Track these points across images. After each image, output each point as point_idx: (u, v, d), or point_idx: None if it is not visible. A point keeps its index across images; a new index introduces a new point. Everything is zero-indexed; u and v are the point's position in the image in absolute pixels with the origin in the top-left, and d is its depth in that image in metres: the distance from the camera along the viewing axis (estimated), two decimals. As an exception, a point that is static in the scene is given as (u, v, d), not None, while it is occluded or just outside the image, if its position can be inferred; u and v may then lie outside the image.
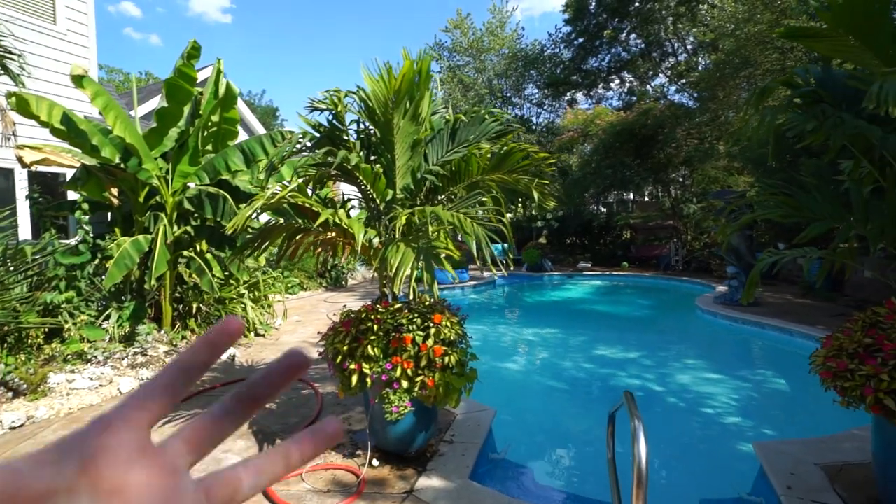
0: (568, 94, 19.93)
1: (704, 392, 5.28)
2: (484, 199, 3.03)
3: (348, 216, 3.15)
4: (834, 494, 2.64)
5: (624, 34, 18.45)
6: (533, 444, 4.24)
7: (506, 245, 16.74)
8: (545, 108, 21.07)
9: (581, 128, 15.03)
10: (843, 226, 2.29)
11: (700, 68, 16.42)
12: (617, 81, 20.30)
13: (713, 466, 3.74)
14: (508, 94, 20.82)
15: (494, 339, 7.85)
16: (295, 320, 7.68)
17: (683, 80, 17.42)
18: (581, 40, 18.63)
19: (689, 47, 18.18)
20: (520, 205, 3.45)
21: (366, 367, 2.82)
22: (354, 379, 2.83)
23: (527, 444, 4.18)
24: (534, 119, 20.42)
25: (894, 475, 2.36)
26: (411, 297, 3.36)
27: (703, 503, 3.24)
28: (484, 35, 20.46)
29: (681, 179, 15.34)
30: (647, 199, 17.55)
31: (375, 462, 3.02)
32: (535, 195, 2.94)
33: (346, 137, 2.94)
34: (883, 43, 1.96)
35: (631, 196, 17.77)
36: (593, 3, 17.86)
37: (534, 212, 14.44)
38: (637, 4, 17.13)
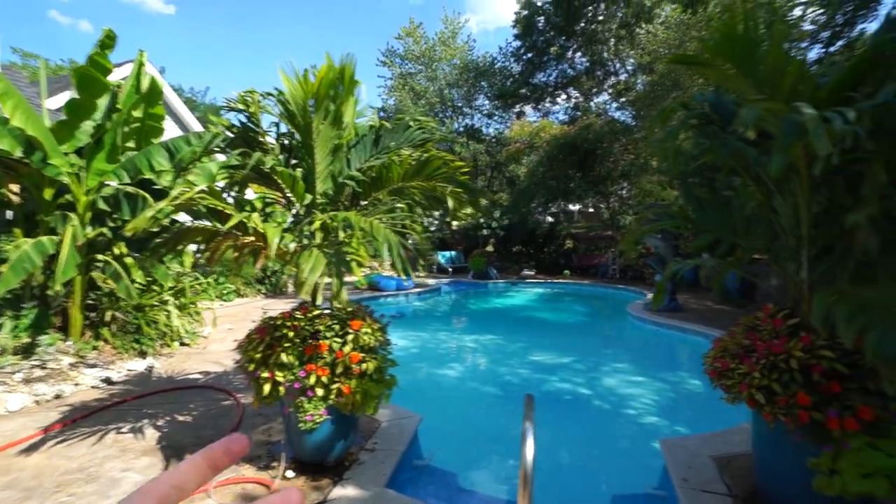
0: (517, 106, 20.54)
1: (627, 393, 5.56)
2: (400, 205, 3.05)
3: (266, 220, 3.08)
4: (722, 484, 2.85)
5: (570, 52, 19.30)
6: (461, 450, 4.28)
7: (453, 253, 16.94)
8: (495, 118, 21.59)
9: (527, 140, 15.51)
10: (725, 237, 2.52)
11: (637, 88, 17.46)
12: (563, 96, 21.18)
13: (629, 464, 3.94)
14: (459, 104, 21.16)
15: (434, 346, 7.88)
16: (227, 328, 7.34)
17: (623, 99, 18.45)
18: (530, 55, 19.30)
19: (628, 68, 19.28)
20: (458, 212, 3.49)
21: (279, 375, 2.74)
22: (267, 387, 2.74)
23: (455, 450, 4.21)
24: (484, 129, 20.85)
25: (767, 464, 2.59)
26: (337, 304, 3.31)
27: (615, 498, 3.40)
28: (436, 44, 20.72)
29: (621, 192, 16.18)
30: (590, 210, 18.36)
31: (290, 473, 2.94)
32: (451, 202, 3.00)
33: (262, 139, 2.88)
34: (756, 73, 2.17)
35: (576, 207, 18.53)
36: (541, 21, 18.58)
37: (481, 219, 14.70)
38: (582, 25, 18.00)
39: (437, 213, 18.01)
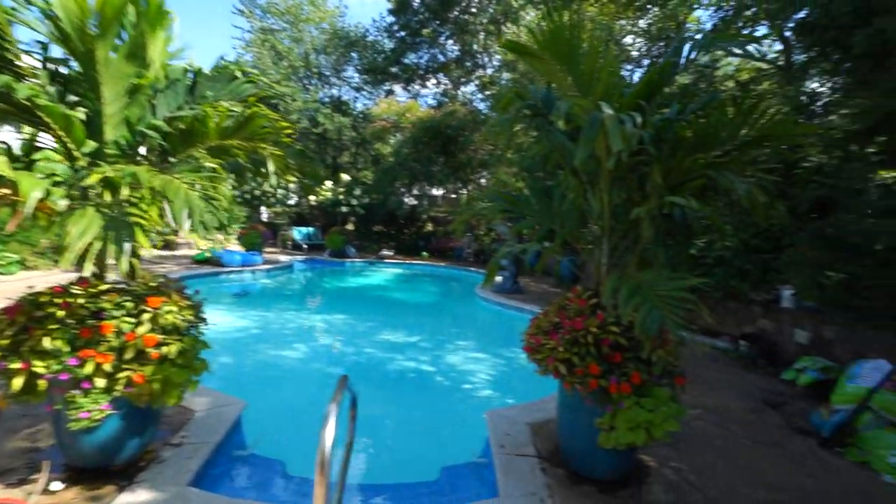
0: (387, 84, 20.14)
1: (467, 369, 5.91)
2: (212, 164, 2.66)
3: (29, 169, 2.40)
4: (533, 447, 3.17)
5: (443, 38, 19.53)
6: (293, 436, 4.04)
7: (311, 229, 16.06)
8: (364, 94, 20.90)
9: (394, 119, 15.34)
10: (545, 224, 2.75)
11: (500, 83, 18.54)
12: (434, 81, 21.44)
13: (460, 435, 4.15)
14: (327, 73, 19.93)
15: (278, 327, 7.36)
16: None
17: (487, 92, 19.44)
18: (403, 34, 19.00)
19: (494, 63, 20.33)
20: (282, 177, 3.16)
21: (39, 366, 2.18)
22: (18, 381, 2.16)
23: (286, 436, 3.97)
24: (351, 103, 20.01)
25: (566, 426, 2.94)
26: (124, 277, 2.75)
27: (444, 470, 3.55)
28: (303, 2, 19.07)
29: (480, 181, 17.11)
30: (453, 195, 19.08)
31: (58, 485, 2.39)
32: (271, 165, 2.71)
33: (16, 61, 2.20)
34: (576, 74, 2.34)
35: (440, 192, 19.07)
36: (417, 1, 18.38)
37: (341, 196, 14.15)
38: (456, 13, 18.31)
39: (292, 185, 16.75)
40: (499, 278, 10.38)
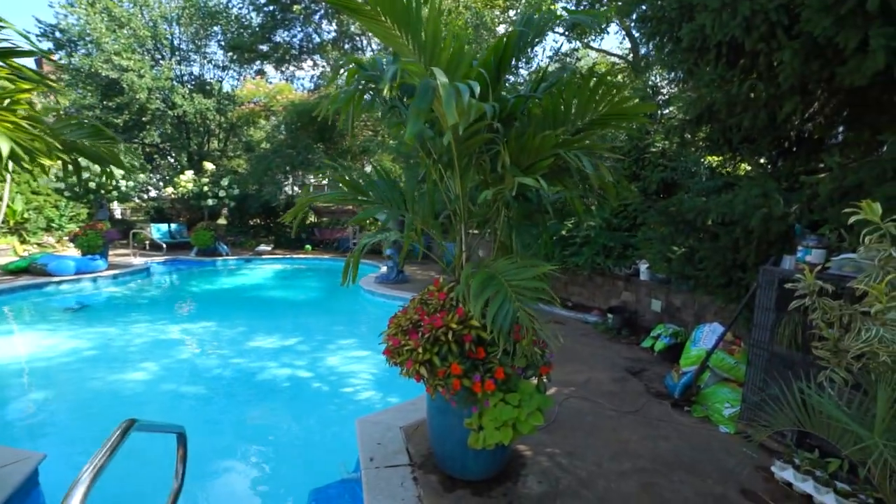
0: (256, 63, 18.29)
1: (347, 371, 5.51)
2: None
3: None
4: (406, 455, 2.93)
5: (317, 17, 18.22)
6: (120, 481, 3.30)
7: (174, 226, 14.08)
8: (230, 73, 18.74)
9: (262, 101, 13.95)
10: (394, 210, 2.48)
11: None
12: (310, 63, 20.02)
13: (336, 449, 3.77)
14: (184, 47, 17.43)
15: (122, 344, 6.19)
16: None
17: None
18: (272, 8, 17.32)
19: (374, 47, 19.61)
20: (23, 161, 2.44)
21: None
22: None
23: (110, 484, 3.23)
24: (216, 83, 17.80)
25: (436, 429, 2.74)
26: None
27: (312, 493, 3.16)
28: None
29: (365, 168, 16.46)
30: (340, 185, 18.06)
31: None
32: (3, 147, 2.03)
33: None
34: (418, 34, 2.05)
35: (325, 181, 17.97)
36: (284, -28, 16.81)
37: (205, 188, 12.53)
38: (328, -11, 17.10)
39: (143, 177, 14.47)
40: (383, 268, 10.06)
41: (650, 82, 7.21)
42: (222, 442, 3.86)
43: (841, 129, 4.03)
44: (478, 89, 1.68)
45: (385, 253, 9.05)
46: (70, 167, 2.66)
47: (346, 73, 2.49)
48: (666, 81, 6.91)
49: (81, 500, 1.16)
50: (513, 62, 2.32)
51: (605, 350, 5.27)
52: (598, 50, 9.52)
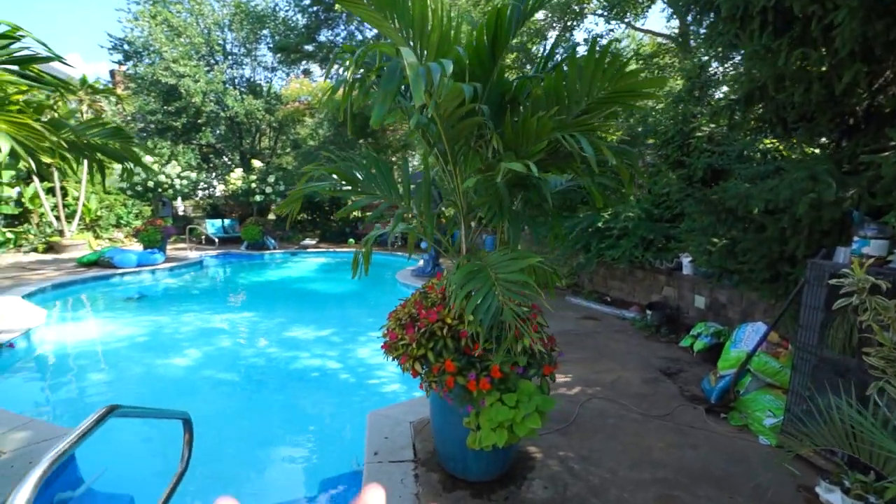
0: (302, 63, 18.87)
1: (376, 363, 5.55)
2: None
3: None
4: (412, 450, 2.88)
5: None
6: (153, 459, 3.50)
7: (227, 221, 14.88)
8: (278, 74, 19.48)
9: (307, 100, 14.36)
10: (388, 200, 2.40)
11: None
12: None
13: (353, 439, 3.80)
14: (236, 51, 18.30)
15: (171, 332, 6.59)
16: None
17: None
18: (316, 9, 17.78)
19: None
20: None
21: None
22: None
23: (145, 461, 3.44)
24: (265, 84, 18.57)
25: (438, 426, 2.66)
26: None
27: (322, 483, 3.20)
28: (202, -28, 17.23)
29: (415, 161, 16.56)
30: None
31: None
32: (3, 145, 2.13)
33: None
34: (405, 15, 1.95)
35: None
36: (327, -28, 17.17)
37: (253, 184, 13.06)
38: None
39: (195, 176, 15.35)
40: (420, 262, 10.07)
41: (698, 61, 6.64)
42: (245, 427, 3.99)
43: (918, 100, 3.49)
44: (450, 68, 1.56)
45: (422, 246, 9.04)
46: (95, 165, 2.81)
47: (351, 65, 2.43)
48: (715, 60, 6.34)
49: (36, 483, 1.18)
50: (511, 39, 2.16)
51: (641, 348, 4.96)
52: (642, 30, 8.92)
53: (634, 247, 5.98)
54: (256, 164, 14.38)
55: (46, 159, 2.37)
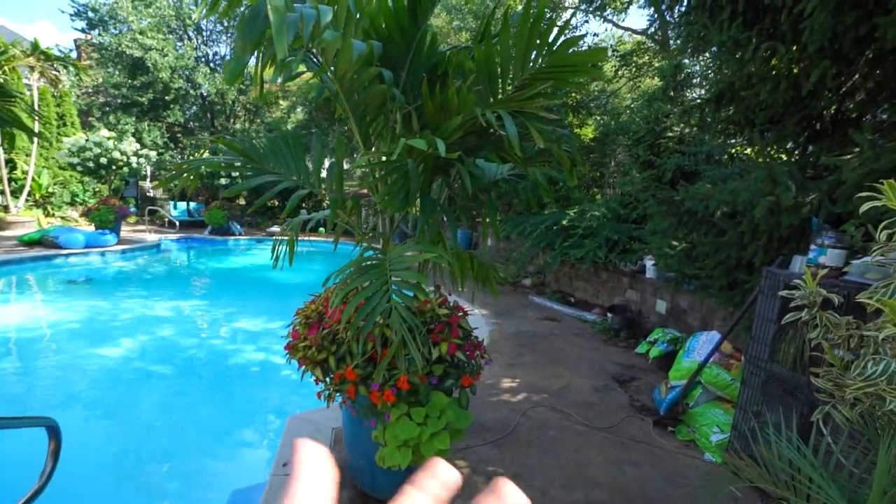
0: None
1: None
2: None
3: None
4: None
5: None
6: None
7: (193, 204, 14.28)
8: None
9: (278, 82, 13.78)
10: (293, 180, 2.10)
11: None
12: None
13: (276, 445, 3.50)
14: (209, 28, 17.54)
15: (109, 319, 6.15)
16: None
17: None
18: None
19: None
20: None
21: None
22: None
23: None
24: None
25: (349, 438, 2.38)
26: None
27: (234, 494, 2.90)
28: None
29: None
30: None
31: None
32: None
33: None
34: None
35: (346, 165, 17.81)
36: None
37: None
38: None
39: (164, 156, 14.70)
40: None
41: (674, 60, 6.46)
42: (163, 424, 3.66)
43: (886, 106, 3.34)
44: (329, 16, 1.26)
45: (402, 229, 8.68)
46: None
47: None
48: (687, 57, 6.17)
49: None
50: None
51: (596, 353, 4.76)
52: (622, 27, 8.73)
53: (598, 247, 5.79)
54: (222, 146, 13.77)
55: None
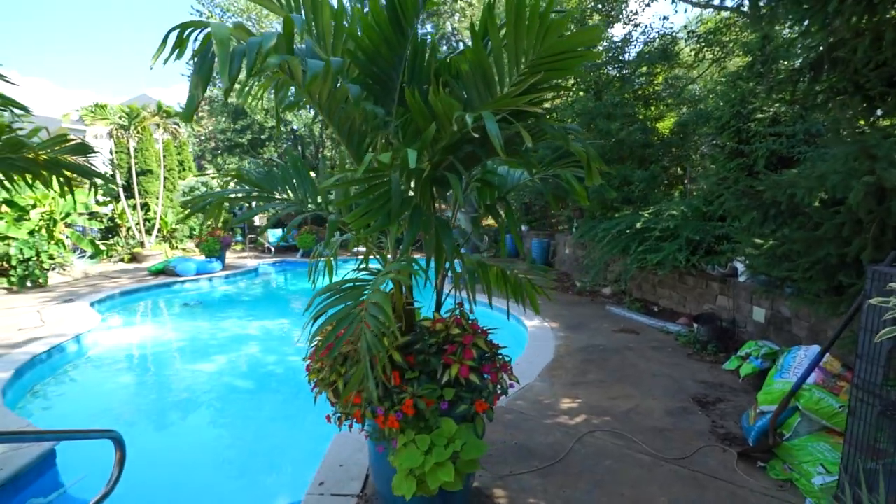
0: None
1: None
2: None
3: None
4: (362, 483, 2.57)
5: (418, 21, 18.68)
6: (146, 464, 3.51)
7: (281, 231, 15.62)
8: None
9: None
10: (300, 203, 2.12)
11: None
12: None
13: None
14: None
15: (208, 338, 6.88)
16: None
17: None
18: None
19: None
20: None
21: None
22: None
23: (139, 466, 3.46)
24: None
25: (374, 461, 2.32)
26: None
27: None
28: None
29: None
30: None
31: None
32: None
33: None
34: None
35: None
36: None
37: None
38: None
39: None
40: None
41: (763, 32, 5.64)
42: (239, 436, 3.95)
43: None
44: (272, 42, 1.24)
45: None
46: (60, 180, 2.86)
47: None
48: (781, 23, 5.34)
49: None
50: (420, 3, 1.79)
51: (676, 369, 4.22)
52: (704, 6, 7.79)
53: (679, 250, 5.18)
54: (311, 175, 14.98)
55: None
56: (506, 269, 2.55)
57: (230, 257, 13.23)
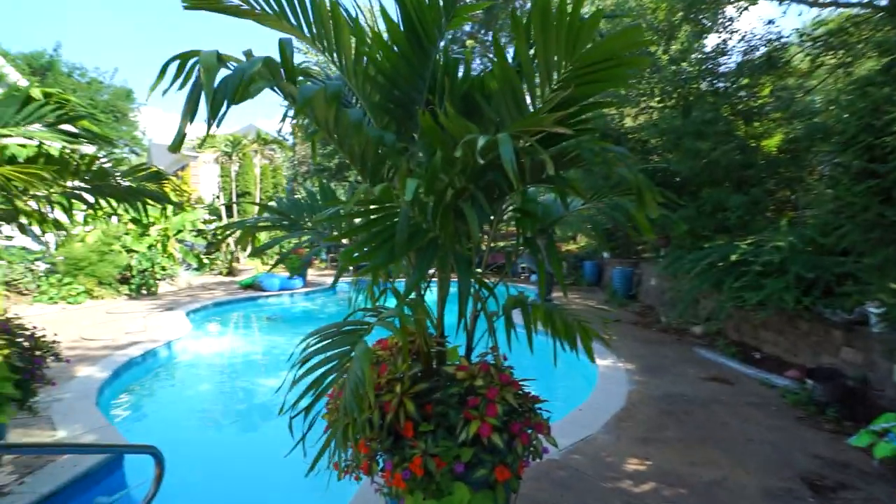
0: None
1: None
2: None
3: None
4: None
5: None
6: (207, 473, 3.63)
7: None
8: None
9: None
10: (321, 236, 2.01)
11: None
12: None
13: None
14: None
15: (280, 352, 7.21)
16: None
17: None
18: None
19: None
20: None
21: None
22: None
23: (197, 475, 3.59)
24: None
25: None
26: None
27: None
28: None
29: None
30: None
31: None
32: None
33: None
34: (306, 18, 1.63)
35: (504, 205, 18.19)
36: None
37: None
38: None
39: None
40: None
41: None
42: (276, 450, 3.95)
43: None
44: (256, 67, 1.14)
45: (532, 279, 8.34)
46: (140, 205, 3.13)
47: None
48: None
49: None
50: (442, 21, 1.62)
51: (782, 436, 3.46)
52: (816, 4, 6.69)
53: (786, 288, 4.36)
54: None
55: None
56: (553, 308, 2.23)
57: (313, 274, 14.03)
